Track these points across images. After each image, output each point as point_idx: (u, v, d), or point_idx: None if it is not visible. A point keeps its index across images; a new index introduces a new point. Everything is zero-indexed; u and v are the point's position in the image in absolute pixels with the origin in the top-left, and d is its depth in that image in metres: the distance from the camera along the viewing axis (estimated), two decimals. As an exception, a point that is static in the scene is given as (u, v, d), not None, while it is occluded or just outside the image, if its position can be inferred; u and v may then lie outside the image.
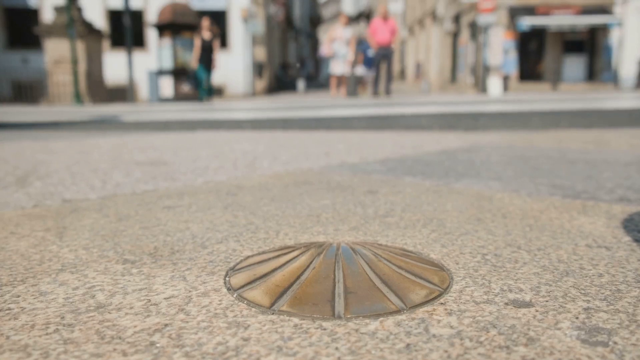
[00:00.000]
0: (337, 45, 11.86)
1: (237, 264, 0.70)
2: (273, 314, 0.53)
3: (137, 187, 1.29)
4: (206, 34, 10.78)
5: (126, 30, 10.36)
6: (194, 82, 11.20)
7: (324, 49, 12.35)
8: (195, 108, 6.57)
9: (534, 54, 19.66)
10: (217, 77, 15.16)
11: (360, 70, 13.48)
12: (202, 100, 10.79)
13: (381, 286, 0.59)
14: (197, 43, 10.74)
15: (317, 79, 28.12)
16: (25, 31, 13.50)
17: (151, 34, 14.41)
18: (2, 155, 1.96)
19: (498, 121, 3.43)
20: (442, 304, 0.56)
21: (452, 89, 16.56)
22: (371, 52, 12.49)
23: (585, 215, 0.94)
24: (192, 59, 11.01)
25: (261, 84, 17.98)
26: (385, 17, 11.35)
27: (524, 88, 17.24)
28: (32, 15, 14.03)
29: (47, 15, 13.18)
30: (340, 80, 11.82)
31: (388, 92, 11.40)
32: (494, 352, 0.45)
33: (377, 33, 11.43)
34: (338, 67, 11.85)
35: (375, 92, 11.42)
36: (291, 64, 24.62)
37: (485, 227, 0.87)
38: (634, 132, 2.60)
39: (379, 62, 11.32)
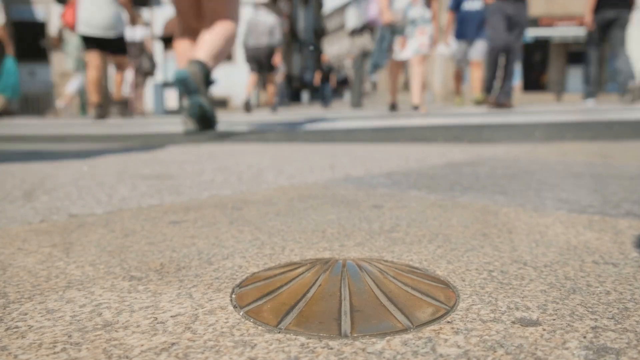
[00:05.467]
0: (402, 2, 5.96)
1: (243, 280, 0.70)
2: (279, 332, 0.53)
3: (143, 202, 1.29)
4: None
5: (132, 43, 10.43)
6: None
7: (374, 8, 6.55)
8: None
9: (537, 65, 19.69)
10: (221, 89, 15.22)
11: (451, 48, 7.84)
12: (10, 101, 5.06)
13: (387, 304, 0.59)
14: None
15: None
16: (32, 44, 13.65)
17: (157, 47, 14.55)
18: (8, 169, 1.98)
19: (502, 133, 3.43)
20: (448, 322, 0.56)
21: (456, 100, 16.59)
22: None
23: (591, 231, 0.94)
24: None
25: (265, 95, 18.04)
26: None
27: (528, 99, 17.25)
28: (39, 28, 14.19)
29: (55, 29, 13.34)
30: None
31: (501, 100, 6.56)
32: (502, 373, 0.45)
33: None
34: (409, 49, 6.07)
35: (501, 101, 6.57)
36: (294, 76, 24.60)
37: (491, 242, 0.87)
38: (639, 144, 2.59)
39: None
